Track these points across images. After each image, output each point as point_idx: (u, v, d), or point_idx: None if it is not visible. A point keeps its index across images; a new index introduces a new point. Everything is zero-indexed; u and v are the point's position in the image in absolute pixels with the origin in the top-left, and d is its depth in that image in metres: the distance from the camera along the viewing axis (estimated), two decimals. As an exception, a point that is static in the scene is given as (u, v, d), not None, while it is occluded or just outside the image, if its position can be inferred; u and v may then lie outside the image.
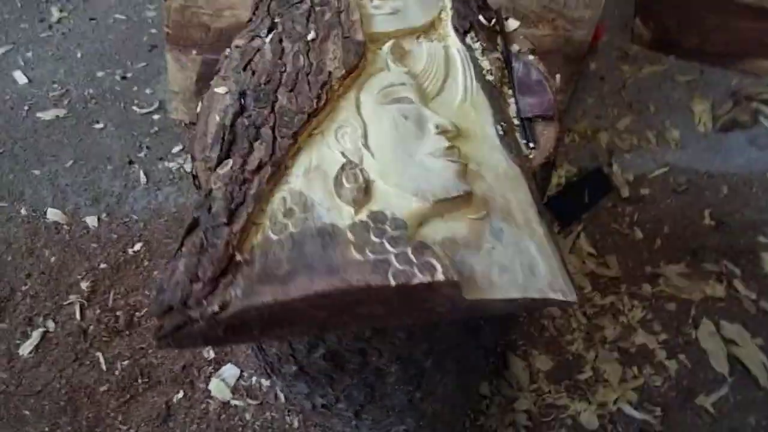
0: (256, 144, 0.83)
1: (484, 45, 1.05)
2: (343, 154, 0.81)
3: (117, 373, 1.41)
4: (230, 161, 0.83)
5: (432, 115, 0.87)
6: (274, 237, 0.70)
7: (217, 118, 0.92)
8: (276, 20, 1.06)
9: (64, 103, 1.91)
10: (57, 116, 1.87)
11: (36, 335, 1.46)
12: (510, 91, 1.04)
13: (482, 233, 0.76)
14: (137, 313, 1.51)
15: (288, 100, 0.87)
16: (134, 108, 1.91)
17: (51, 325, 1.48)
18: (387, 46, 1.00)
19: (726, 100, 2.13)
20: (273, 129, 0.83)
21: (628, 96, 2.13)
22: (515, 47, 1.13)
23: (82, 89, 1.96)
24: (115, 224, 1.68)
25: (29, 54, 2.05)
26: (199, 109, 1.02)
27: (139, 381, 1.40)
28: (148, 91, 1.96)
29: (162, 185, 1.76)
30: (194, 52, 1.75)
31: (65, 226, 1.65)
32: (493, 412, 1.41)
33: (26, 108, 1.88)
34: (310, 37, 0.98)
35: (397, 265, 0.66)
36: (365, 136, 0.83)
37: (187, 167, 1.79)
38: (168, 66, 1.77)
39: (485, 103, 0.95)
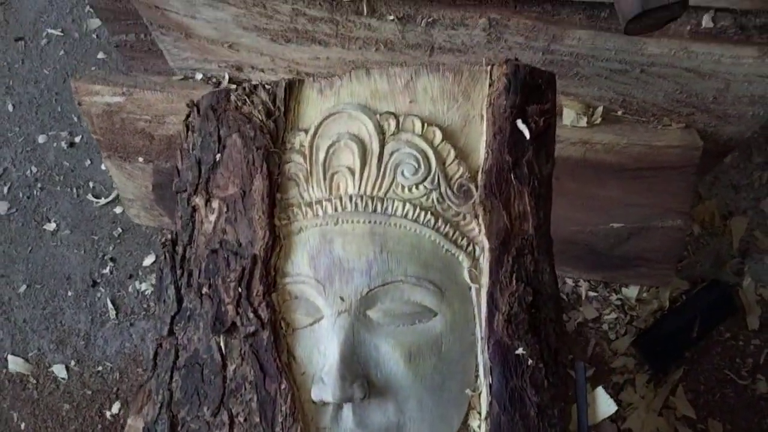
0: None
1: None
2: None
3: None
4: None
5: None
6: None
7: None
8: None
9: (5, 191, 1.51)
10: (-1, 214, 1.50)
11: None
12: None
13: None
14: (123, 505, 1.34)
15: None
16: (89, 197, 1.49)
17: None
18: None
19: None
20: None
21: (789, 145, 1.44)
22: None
23: (23, 167, 1.54)
24: (87, 375, 1.42)
25: (-49, 105, 1.59)
26: None
27: None
28: (103, 166, 1.50)
29: (135, 318, 1.43)
30: (140, 159, 1.26)
31: (31, 379, 1.42)
32: None
33: (-39, 202, 1.51)
34: None
35: None
36: None
37: (163, 289, 1.43)
38: (111, 174, 1.30)
39: None
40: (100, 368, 1.43)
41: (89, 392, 1.42)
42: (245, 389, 0.64)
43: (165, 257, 0.75)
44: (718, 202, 1.40)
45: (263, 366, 0.63)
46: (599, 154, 1.12)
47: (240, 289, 0.66)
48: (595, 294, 1.40)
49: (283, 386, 0.62)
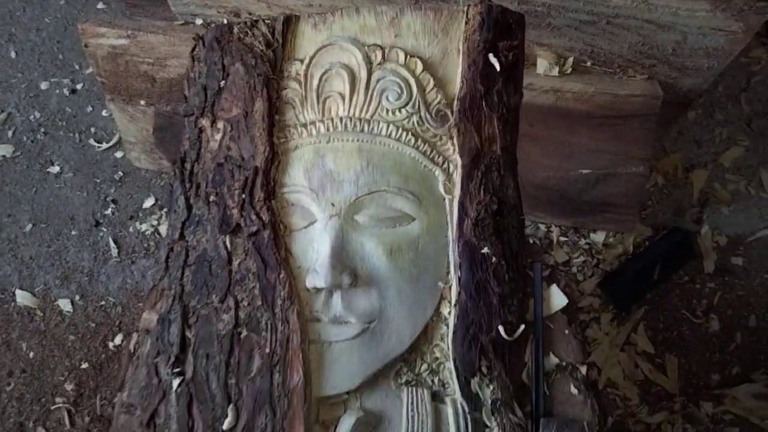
0: None
1: (500, 393, 0.70)
2: None
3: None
4: None
5: None
6: None
7: None
8: (188, 333, 0.74)
9: (9, 135, 1.58)
10: (4, 156, 1.57)
11: (29, 447, 1.44)
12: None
13: None
14: (126, 425, 1.44)
15: None
16: (91, 142, 1.56)
17: (42, 433, 1.45)
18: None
19: None
20: None
21: (748, 105, 1.54)
22: (553, 361, 0.76)
23: (26, 111, 1.60)
24: (90, 309, 1.51)
25: (-44, 52, 1.64)
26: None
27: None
28: (104, 112, 1.57)
29: (136, 257, 1.52)
30: (142, 102, 1.33)
31: (38, 312, 1.51)
32: None
33: (-32, 145, 1.58)
34: (226, 426, 0.67)
35: None
36: None
37: (162, 230, 1.52)
38: (114, 116, 1.38)
39: None
40: (103, 303, 1.53)
41: (93, 325, 1.52)
42: (249, 279, 0.74)
43: (175, 173, 0.84)
44: (681, 156, 1.51)
45: (264, 259, 0.73)
46: (569, 102, 1.22)
47: (244, 196, 0.76)
48: (566, 239, 1.52)
49: (282, 275, 0.72)
